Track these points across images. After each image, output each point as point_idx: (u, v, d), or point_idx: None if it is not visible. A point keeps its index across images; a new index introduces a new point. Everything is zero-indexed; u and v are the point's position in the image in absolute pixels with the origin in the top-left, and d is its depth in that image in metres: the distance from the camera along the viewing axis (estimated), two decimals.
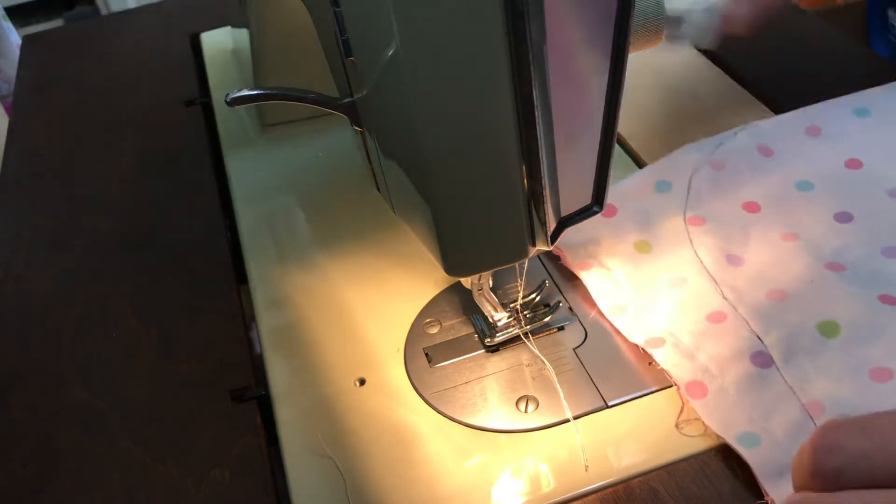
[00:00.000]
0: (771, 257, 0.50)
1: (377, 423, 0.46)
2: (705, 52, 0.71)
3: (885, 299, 0.45)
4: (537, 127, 0.34)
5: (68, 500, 0.44)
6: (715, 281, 0.49)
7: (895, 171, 0.54)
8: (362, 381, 0.48)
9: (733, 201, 0.53)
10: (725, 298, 0.48)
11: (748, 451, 0.41)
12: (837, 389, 0.42)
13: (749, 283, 0.48)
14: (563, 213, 0.39)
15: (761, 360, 0.44)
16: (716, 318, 0.47)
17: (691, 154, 0.56)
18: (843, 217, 0.51)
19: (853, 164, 0.55)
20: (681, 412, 0.44)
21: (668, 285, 0.49)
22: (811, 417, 0.41)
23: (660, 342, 0.46)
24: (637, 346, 0.47)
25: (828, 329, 0.44)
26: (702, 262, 0.50)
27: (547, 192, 0.36)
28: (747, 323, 0.46)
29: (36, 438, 0.48)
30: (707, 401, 0.43)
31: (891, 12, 1.63)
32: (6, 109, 1.08)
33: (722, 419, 0.42)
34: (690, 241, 0.51)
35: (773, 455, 0.40)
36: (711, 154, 0.56)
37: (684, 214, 0.53)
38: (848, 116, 0.58)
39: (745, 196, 0.53)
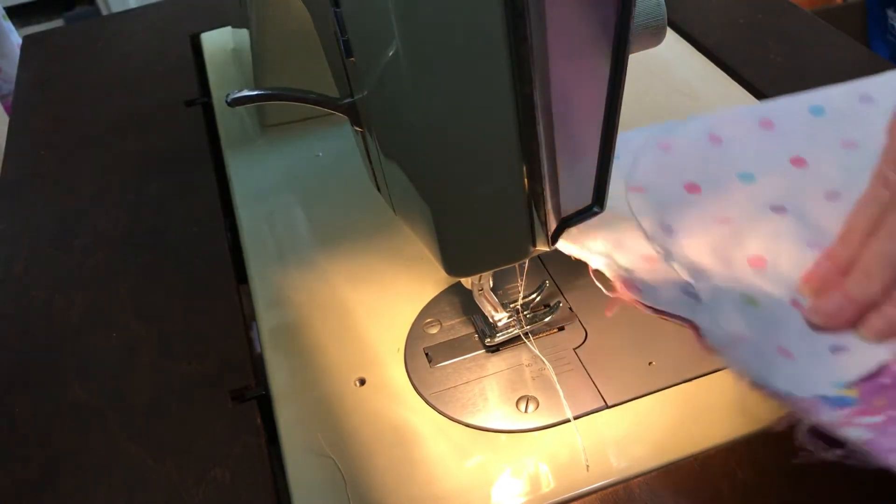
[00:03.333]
0: (702, 235, 0.50)
1: (377, 422, 0.46)
2: (705, 52, 0.71)
3: (796, 304, 0.46)
4: (537, 127, 0.34)
5: (69, 500, 0.44)
6: (649, 238, 0.49)
7: (836, 174, 0.54)
8: (362, 381, 0.48)
9: (675, 179, 0.54)
10: (657, 252, 0.48)
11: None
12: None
13: (680, 251, 0.48)
14: (564, 214, 0.39)
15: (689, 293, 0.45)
16: (648, 260, 0.47)
17: (640, 133, 0.56)
18: (778, 209, 0.51)
19: (798, 161, 0.55)
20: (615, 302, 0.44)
21: (607, 234, 0.49)
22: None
23: (599, 258, 0.46)
24: (637, 346, 0.47)
25: (750, 301, 0.46)
26: (639, 223, 0.50)
27: (547, 193, 0.36)
28: (676, 272, 0.47)
29: (36, 438, 0.48)
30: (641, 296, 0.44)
31: (890, 12, 1.63)
32: (6, 109, 1.08)
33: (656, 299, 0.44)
34: (629, 204, 0.52)
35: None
36: (660, 136, 0.56)
37: (626, 183, 0.53)
38: (803, 114, 0.58)
39: (687, 177, 0.54)
